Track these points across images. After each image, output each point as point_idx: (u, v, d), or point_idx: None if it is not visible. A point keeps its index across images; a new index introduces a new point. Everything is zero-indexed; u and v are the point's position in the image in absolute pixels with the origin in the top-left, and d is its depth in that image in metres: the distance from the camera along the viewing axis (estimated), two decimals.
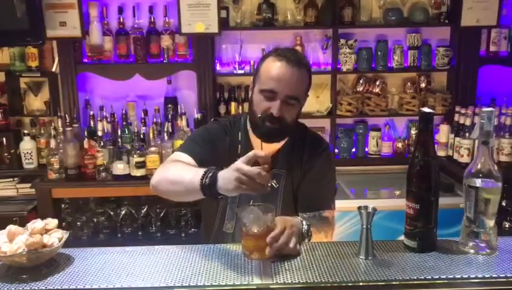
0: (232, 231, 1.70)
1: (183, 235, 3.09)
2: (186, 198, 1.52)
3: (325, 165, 1.72)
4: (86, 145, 3.00)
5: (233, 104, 3.34)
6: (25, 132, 3.15)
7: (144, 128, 3.11)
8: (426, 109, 1.31)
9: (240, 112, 3.29)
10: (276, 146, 1.70)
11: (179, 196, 1.52)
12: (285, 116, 1.57)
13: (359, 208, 1.28)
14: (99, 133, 3.07)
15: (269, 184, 1.29)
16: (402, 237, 1.37)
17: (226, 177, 1.30)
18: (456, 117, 3.20)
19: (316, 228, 1.53)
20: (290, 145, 1.71)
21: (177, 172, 1.48)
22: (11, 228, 1.27)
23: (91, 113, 3.22)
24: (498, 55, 3.39)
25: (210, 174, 1.34)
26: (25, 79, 3.30)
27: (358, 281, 1.18)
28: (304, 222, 1.45)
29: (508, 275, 1.19)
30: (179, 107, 3.25)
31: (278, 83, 1.55)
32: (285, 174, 1.70)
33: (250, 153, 1.30)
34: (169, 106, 3.28)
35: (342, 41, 3.29)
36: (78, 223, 3.05)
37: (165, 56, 3.24)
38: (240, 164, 1.28)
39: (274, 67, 1.57)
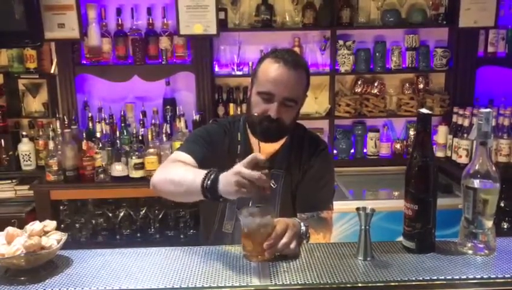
0: (231, 231, 1.70)
1: (181, 236, 3.09)
2: (187, 199, 1.52)
3: (324, 165, 1.73)
4: (84, 147, 3.00)
5: (231, 105, 3.34)
6: (24, 133, 3.15)
7: (142, 129, 3.11)
8: (424, 110, 1.31)
9: (239, 113, 3.29)
10: (274, 146, 1.70)
11: (179, 196, 1.52)
12: (283, 117, 1.58)
13: (358, 209, 1.28)
14: (98, 135, 3.07)
15: (269, 189, 1.28)
16: (400, 238, 1.37)
17: (227, 180, 1.29)
18: (454, 118, 3.20)
19: (314, 228, 1.53)
20: (289, 146, 1.72)
21: (178, 173, 1.48)
22: (9, 229, 1.27)
23: (89, 114, 3.22)
24: (496, 56, 3.39)
25: (211, 177, 1.33)
26: (23, 80, 3.30)
27: (356, 282, 1.18)
28: (302, 223, 1.45)
29: (506, 276, 1.19)
30: (177, 108, 3.26)
31: (275, 85, 1.56)
32: (284, 175, 1.71)
33: (249, 157, 1.29)
34: (168, 107, 3.28)
35: (340, 42, 3.30)
36: (77, 225, 3.05)
37: (164, 57, 3.24)
38: (239, 167, 1.27)
39: (271, 69, 1.57)
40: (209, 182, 1.33)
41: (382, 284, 1.17)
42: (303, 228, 1.43)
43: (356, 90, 3.44)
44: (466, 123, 3.08)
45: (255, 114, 1.59)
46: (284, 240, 1.31)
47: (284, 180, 1.70)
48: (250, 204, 1.42)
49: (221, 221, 1.72)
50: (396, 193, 3.08)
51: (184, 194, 1.45)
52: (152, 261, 1.30)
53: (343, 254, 1.33)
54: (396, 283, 1.17)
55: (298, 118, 1.70)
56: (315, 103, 3.46)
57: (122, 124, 3.17)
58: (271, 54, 1.62)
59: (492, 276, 1.19)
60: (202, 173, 1.37)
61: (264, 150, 1.66)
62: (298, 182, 1.72)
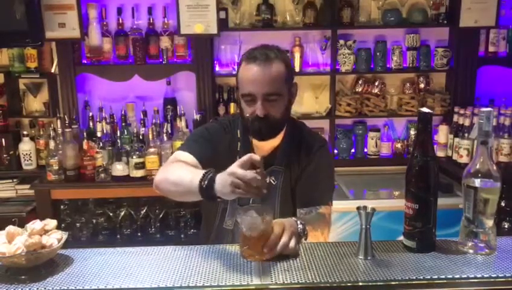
0: (232, 227, 1.71)
1: (182, 236, 3.09)
2: (187, 198, 1.54)
3: (323, 161, 1.74)
4: (85, 147, 3.00)
5: (232, 104, 3.34)
6: (24, 133, 3.15)
7: (143, 129, 3.11)
8: (425, 110, 1.31)
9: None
10: (274, 143, 1.71)
11: (180, 196, 1.54)
12: (271, 113, 1.60)
13: (358, 208, 1.28)
14: (99, 134, 3.07)
15: (265, 189, 1.29)
16: (401, 238, 1.37)
17: (223, 181, 1.31)
18: (455, 118, 3.20)
19: (312, 225, 1.54)
20: (288, 143, 1.73)
21: (178, 173, 1.50)
22: (10, 228, 1.27)
23: (90, 114, 3.22)
24: (497, 56, 3.39)
25: (208, 177, 1.35)
26: (24, 80, 3.30)
27: (357, 281, 1.18)
28: (299, 221, 1.45)
29: (507, 275, 1.19)
30: (178, 108, 3.25)
31: (252, 85, 1.59)
32: (283, 171, 1.71)
33: (245, 157, 1.30)
34: (169, 106, 3.28)
35: (341, 42, 3.29)
36: (77, 224, 3.04)
37: (164, 57, 3.24)
38: (234, 168, 1.28)
39: (246, 71, 1.61)
40: (206, 182, 1.34)
41: (382, 283, 1.17)
42: (300, 226, 1.43)
43: (357, 89, 3.44)
44: (467, 123, 3.07)
45: (246, 116, 1.63)
46: (283, 240, 1.31)
47: (284, 176, 1.71)
48: (250, 201, 1.42)
49: (222, 218, 1.73)
50: (396, 193, 3.08)
51: (184, 194, 1.47)
52: (152, 260, 1.30)
53: (344, 253, 1.33)
54: (397, 282, 1.17)
55: (291, 109, 1.71)
56: (316, 102, 3.46)
57: (123, 124, 3.17)
58: (245, 55, 1.65)
59: (493, 275, 1.19)
60: (200, 173, 1.38)
61: (263, 147, 1.68)
62: (297, 178, 1.72)
